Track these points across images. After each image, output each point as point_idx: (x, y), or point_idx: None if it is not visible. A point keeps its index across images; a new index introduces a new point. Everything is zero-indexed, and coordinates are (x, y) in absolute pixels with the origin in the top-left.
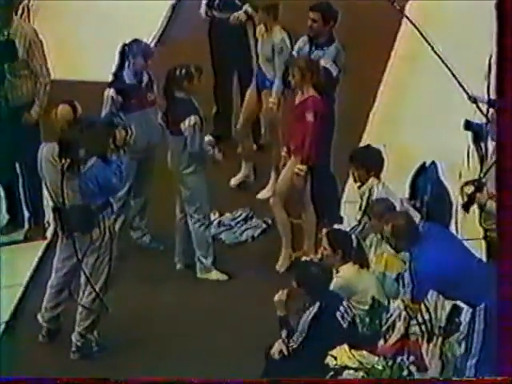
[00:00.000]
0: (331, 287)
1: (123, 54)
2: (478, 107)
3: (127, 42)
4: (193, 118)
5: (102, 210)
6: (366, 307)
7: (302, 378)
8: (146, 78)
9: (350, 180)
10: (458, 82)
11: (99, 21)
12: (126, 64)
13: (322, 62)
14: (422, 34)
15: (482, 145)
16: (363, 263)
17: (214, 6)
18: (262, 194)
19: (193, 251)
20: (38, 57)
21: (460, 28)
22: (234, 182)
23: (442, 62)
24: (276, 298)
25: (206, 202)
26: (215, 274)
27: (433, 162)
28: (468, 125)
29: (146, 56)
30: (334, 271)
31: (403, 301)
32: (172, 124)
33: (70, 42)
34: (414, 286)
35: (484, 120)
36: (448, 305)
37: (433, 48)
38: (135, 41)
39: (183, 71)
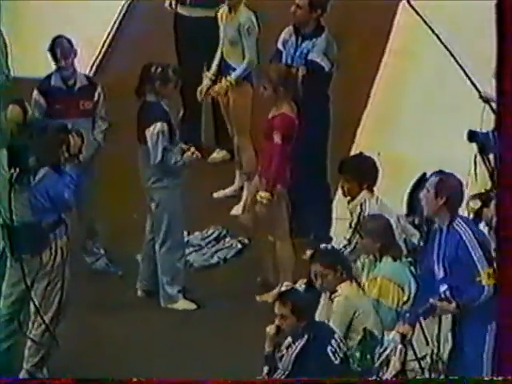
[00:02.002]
0: (334, 310)
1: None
2: (490, 107)
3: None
4: (158, 125)
5: (54, 229)
6: (358, 338)
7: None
8: (81, 82)
9: (340, 193)
10: (469, 79)
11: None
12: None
13: (312, 56)
14: (430, 27)
15: (490, 156)
16: (360, 283)
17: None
18: (237, 210)
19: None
20: None
21: (460, 26)
22: (222, 193)
23: (452, 56)
24: (267, 330)
25: (178, 223)
26: (182, 304)
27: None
28: (472, 136)
29: (63, 53)
30: (324, 294)
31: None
32: (140, 131)
33: (23, 39)
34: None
35: (492, 124)
36: (451, 336)
37: (442, 42)
38: (58, 37)
39: (158, 71)
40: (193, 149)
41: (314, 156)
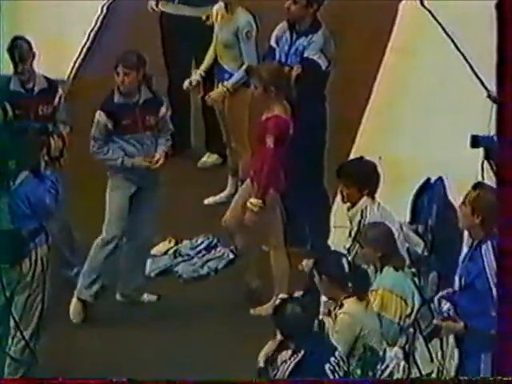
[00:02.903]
0: (337, 328)
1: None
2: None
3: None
4: (97, 114)
5: (34, 237)
6: (357, 356)
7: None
8: (40, 85)
9: (338, 200)
10: (478, 78)
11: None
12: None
13: (308, 53)
14: (439, 23)
15: None
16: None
17: None
18: None
19: (137, 283)
20: None
21: (462, 24)
22: (213, 200)
23: (461, 54)
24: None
25: (113, 220)
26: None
27: (439, 178)
28: (476, 141)
29: (21, 56)
30: (325, 305)
31: None
32: None
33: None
34: None
35: None
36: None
37: (451, 38)
38: (16, 38)
39: (129, 58)
40: (157, 156)
41: (310, 160)
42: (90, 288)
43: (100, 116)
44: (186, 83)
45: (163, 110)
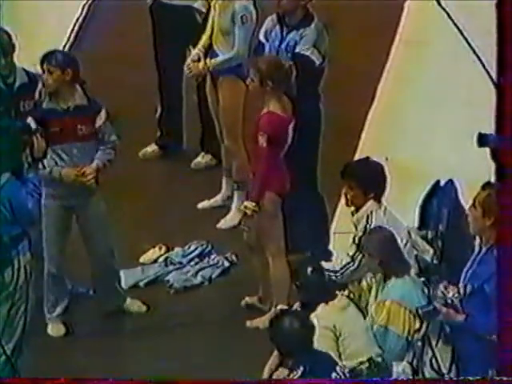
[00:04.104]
0: (316, 334)
1: None
2: None
3: None
4: (28, 119)
5: (17, 244)
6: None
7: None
8: (21, 79)
9: (342, 203)
10: (489, 75)
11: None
12: None
13: (300, 49)
14: (445, 11)
15: None
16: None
17: None
18: (224, 223)
19: (118, 294)
20: None
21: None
22: (207, 204)
23: (471, 47)
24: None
25: (48, 242)
26: (53, 329)
27: (449, 181)
28: (483, 139)
29: (4, 50)
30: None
31: None
32: None
33: None
34: None
35: None
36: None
37: (460, 30)
38: None
39: (54, 56)
40: (85, 169)
41: (305, 162)
42: (54, 311)
43: (30, 121)
44: (190, 58)
45: (102, 117)
